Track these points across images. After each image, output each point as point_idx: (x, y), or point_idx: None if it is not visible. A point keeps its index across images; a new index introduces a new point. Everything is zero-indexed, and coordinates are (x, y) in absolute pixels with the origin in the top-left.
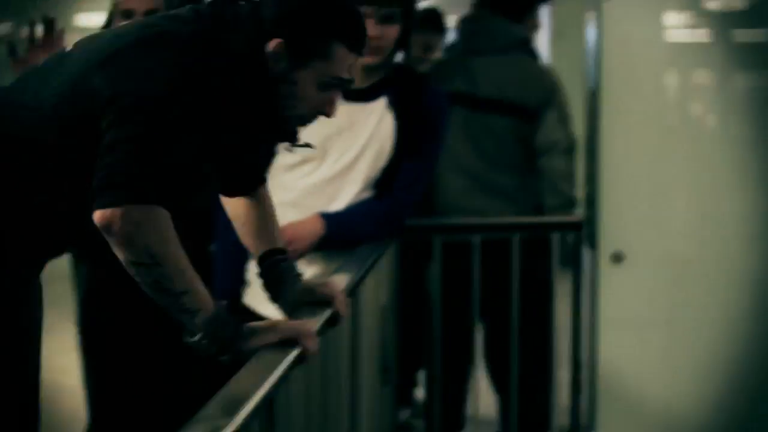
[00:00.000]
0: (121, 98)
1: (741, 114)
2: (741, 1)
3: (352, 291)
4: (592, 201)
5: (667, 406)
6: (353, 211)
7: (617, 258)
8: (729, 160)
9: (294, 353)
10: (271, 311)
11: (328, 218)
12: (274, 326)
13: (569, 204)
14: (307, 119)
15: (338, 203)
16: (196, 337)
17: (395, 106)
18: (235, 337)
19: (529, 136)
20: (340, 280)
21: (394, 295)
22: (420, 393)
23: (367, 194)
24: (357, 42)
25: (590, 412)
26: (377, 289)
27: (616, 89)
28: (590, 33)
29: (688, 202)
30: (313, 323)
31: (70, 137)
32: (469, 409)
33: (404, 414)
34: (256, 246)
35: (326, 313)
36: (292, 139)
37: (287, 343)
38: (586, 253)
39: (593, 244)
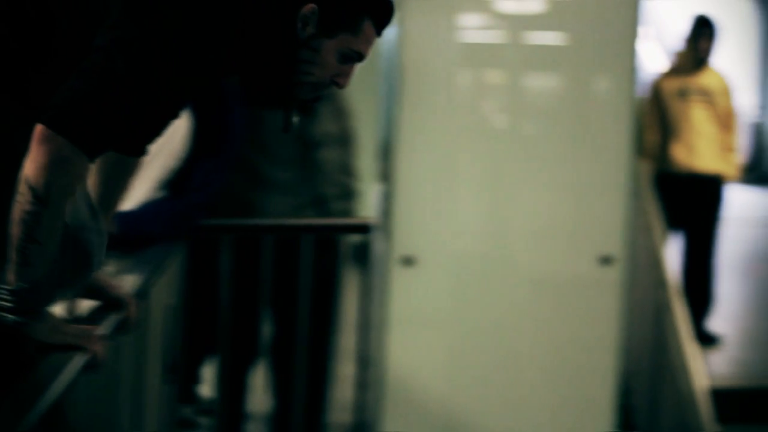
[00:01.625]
0: (123, 27)
1: (531, 114)
2: (534, 4)
3: (141, 293)
4: (386, 203)
5: (452, 404)
6: (144, 210)
7: (408, 261)
8: (519, 159)
9: (81, 360)
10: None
11: (118, 217)
12: (64, 327)
13: (347, 194)
14: (319, 87)
15: (128, 203)
16: (4, 290)
17: (191, 106)
18: (37, 313)
19: (303, 128)
20: (131, 282)
21: (181, 294)
22: (202, 389)
23: (159, 194)
24: (384, 23)
25: (376, 409)
26: (165, 290)
27: (412, 88)
28: (389, 31)
29: (477, 201)
30: (102, 328)
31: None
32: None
33: (186, 410)
34: None
35: (116, 318)
36: (292, 105)
37: (74, 347)
38: (378, 254)
39: (385, 245)
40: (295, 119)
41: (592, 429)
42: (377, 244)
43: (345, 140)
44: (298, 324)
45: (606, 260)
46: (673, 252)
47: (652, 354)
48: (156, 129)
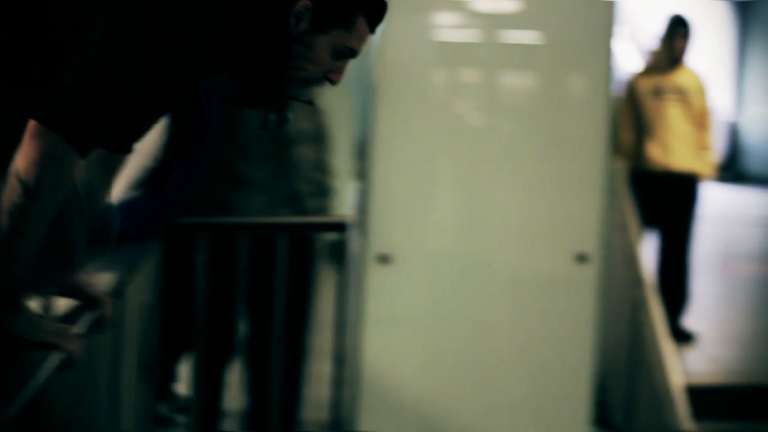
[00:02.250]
0: (116, 22)
1: (507, 113)
2: (509, 3)
3: (117, 291)
4: (362, 201)
5: (428, 403)
6: (120, 209)
7: (384, 259)
8: (495, 158)
9: (57, 359)
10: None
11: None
12: (42, 324)
13: (322, 192)
14: (312, 83)
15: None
16: None
17: None
18: (16, 308)
19: (273, 127)
20: (106, 281)
21: (157, 292)
22: (178, 387)
23: (134, 193)
24: (377, 20)
25: (352, 407)
26: (141, 288)
27: (388, 87)
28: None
29: (453, 200)
30: (78, 327)
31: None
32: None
33: (162, 408)
34: None
35: (92, 317)
36: (283, 100)
37: (50, 346)
38: (353, 252)
39: (361, 243)
40: (287, 115)
41: (569, 426)
42: (353, 242)
43: (319, 137)
44: (273, 322)
45: (582, 258)
46: (648, 250)
47: (628, 351)
48: (146, 125)
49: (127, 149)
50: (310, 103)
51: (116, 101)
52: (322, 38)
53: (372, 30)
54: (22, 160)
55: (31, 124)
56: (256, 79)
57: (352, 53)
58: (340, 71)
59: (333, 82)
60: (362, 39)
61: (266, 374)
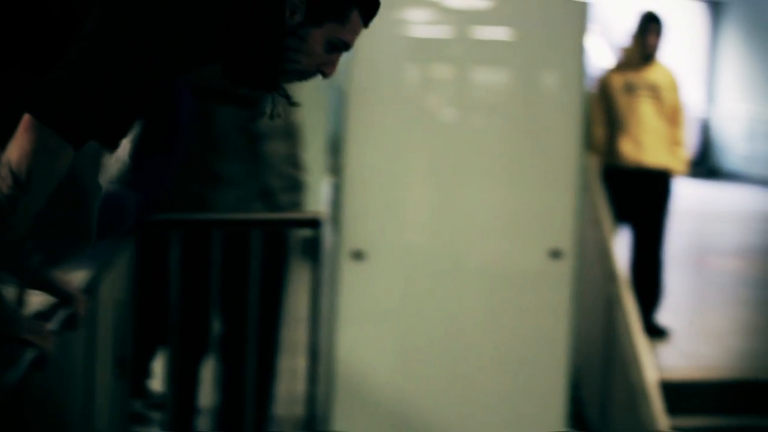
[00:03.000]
0: (110, 14)
1: (480, 109)
2: None
3: (90, 288)
4: (336, 197)
5: (402, 398)
6: None
7: (358, 255)
8: (468, 154)
9: (29, 357)
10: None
11: None
12: (19, 319)
13: (295, 186)
14: (305, 76)
15: None
16: None
17: None
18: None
19: (249, 122)
20: (79, 278)
21: (131, 289)
22: (153, 384)
23: (106, 189)
24: (371, 15)
25: (327, 402)
26: (114, 285)
27: (360, 83)
28: None
29: (426, 196)
30: (52, 324)
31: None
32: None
33: (137, 405)
34: None
35: (65, 314)
36: (274, 91)
37: (25, 342)
38: (328, 248)
39: (335, 240)
40: (277, 109)
41: (543, 422)
42: (327, 238)
43: (291, 133)
44: (246, 318)
45: (556, 254)
46: (621, 246)
47: (602, 347)
48: (137, 117)
49: (117, 143)
50: (289, 99)
51: (110, 94)
52: (316, 31)
53: (366, 24)
54: (16, 151)
55: (26, 117)
56: (248, 70)
57: (346, 46)
58: (333, 64)
59: (326, 75)
60: (356, 32)
61: (238, 370)
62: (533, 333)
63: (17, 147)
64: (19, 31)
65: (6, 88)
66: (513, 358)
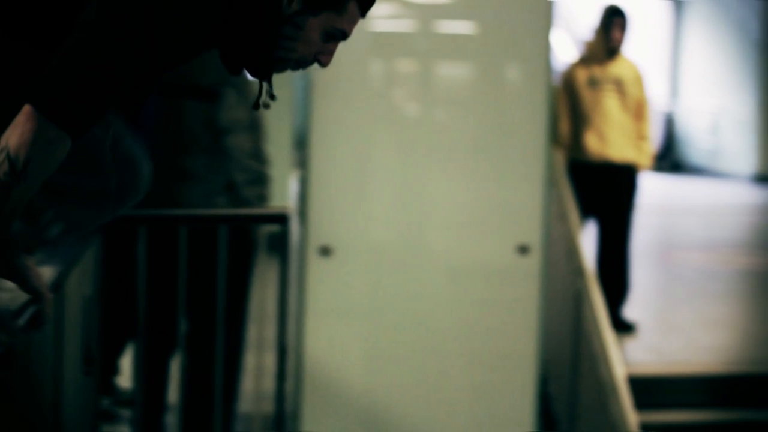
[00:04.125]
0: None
1: (445, 103)
2: None
3: (57, 285)
4: (303, 193)
5: (370, 393)
6: None
7: (325, 251)
8: (433, 148)
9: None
10: None
11: None
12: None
13: (259, 180)
14: (301, 64)
15: None
16: None
17: None
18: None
19: (212, 116)
20: (45, 274)
21: (97, 286)
22: (120, 380)
23: None
24: (369, 5)
25: (296, 399)
26: (82, 281)
27: (324, 78)
28: None
29: (393, 191)
30: (19, 321)
31: None
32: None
33: (105, 402)
34: None
35: (32, 311)
36: (268, 79)
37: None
38: (295, 243)
39: (302, 235)
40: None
41: (513, 418)
42: (294, 233)
43: (254, 126)
44: (211, 314)
45: (524, 250)
46: (588, 241)
47: (570, 342)
48: (138, 107)
49: None
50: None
51: (111, 84)
52: (313, 20)
53: (363, 14)
54: (15, 138)
55: (27, 107)
56: (245, 57)
57: (343, 36)
58: (330, 53)
59: (322, 64)
60: (353, 22)
61: (202, 367)
62: (502, 329)
63: (17, 135)
64: (31, 4)
65: (15, 61)
66: (482, 354)
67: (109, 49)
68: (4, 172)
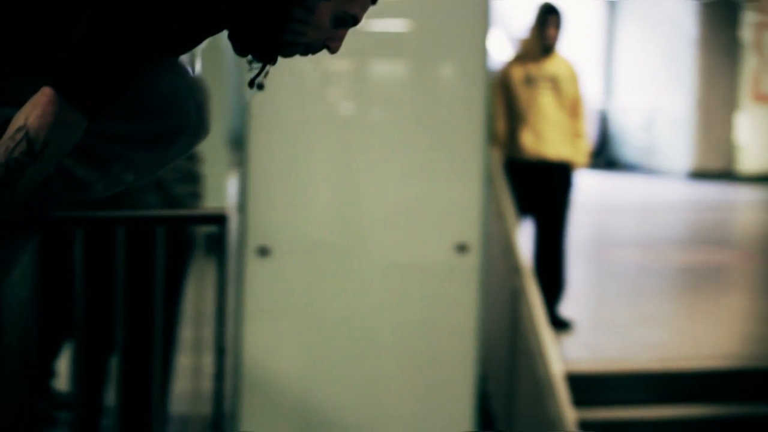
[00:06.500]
0: None
1: (381, 102)
2: None
3: None
4: (240, 193)
5: (309, 394)
6: None
7: (263, 251)
8: (370, 147)
9: None
10: None
11: None
12: None
13: (189, 178)
14: (310, 49)
15: None
16: None
17: None
18: None
19: None
20: None
21: (33, 288)
22: (57, 383)
23: None
24: None
25: (234, 400)
26: (17, 283)
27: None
28: None
29: (330, 190)
30: None
31: None
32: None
33: (42, 405)
34: None
35: None
36: (273, 63)
37: None
38: (233, 244)
39: (240, 236)
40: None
41: (452, 417)
42: (232, 234)
43: None
44: (145, 315)
45: (462, 248)
46: (524, 239)
47: (508, 340)
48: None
49: None
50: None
51: (130, 66)
52: (325, 4)
53: (374, 0)
54: (35, 120)
55: (48, 90)
56: (254, 39)
57: (354, 21)
58: (339, 40)
59: (332, 50)
60: (364, 7)
61: (134, 368)
62: (441, 328)
63: (37, 116)
64: None
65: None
66: (421, 354)
67: (127, 29)
68: (21, 152)
